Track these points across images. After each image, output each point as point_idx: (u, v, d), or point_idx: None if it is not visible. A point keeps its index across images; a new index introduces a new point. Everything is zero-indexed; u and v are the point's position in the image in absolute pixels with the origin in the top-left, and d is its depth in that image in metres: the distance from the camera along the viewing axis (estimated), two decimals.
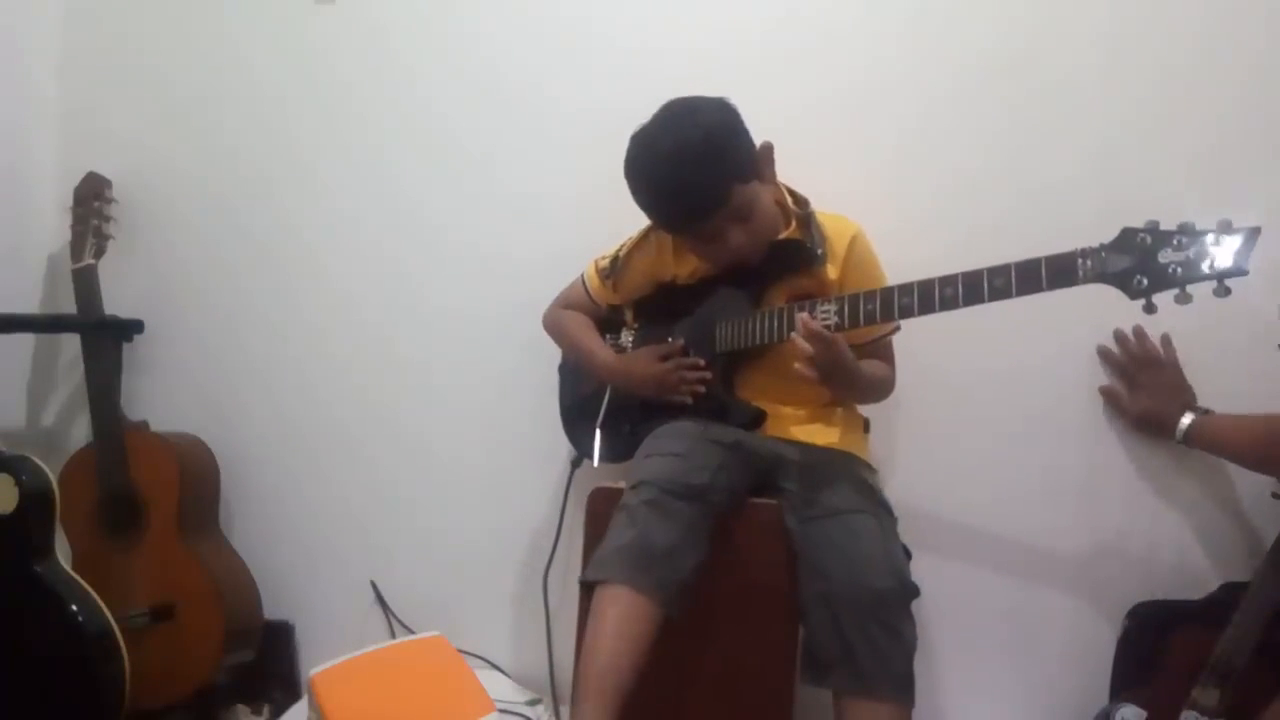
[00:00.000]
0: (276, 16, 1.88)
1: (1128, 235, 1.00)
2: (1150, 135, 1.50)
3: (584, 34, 1.73)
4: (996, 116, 1.55)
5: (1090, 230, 1.46)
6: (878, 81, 1.60)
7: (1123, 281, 1.00)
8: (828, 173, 1.42)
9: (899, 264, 1.39)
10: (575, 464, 1.62)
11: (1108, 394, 1.48)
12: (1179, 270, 0.96)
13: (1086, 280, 1.02)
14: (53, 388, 1.96)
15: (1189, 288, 0.97)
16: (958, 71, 1.57)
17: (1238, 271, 0.94)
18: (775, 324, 1.29)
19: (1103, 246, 1.01)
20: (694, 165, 1.23)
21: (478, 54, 1.79)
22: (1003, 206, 1.54)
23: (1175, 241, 0.96)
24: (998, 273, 1.07)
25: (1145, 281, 0.98)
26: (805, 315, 1.18)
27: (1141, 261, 0.98)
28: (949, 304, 1.11)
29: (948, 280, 1.11)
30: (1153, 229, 0.98)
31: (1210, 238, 0.95)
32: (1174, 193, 1.47)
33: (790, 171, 1.39)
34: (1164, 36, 1.49)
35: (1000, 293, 1.07)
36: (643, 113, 1.30)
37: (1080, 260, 1.02)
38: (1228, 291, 0.95)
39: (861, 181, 1.54)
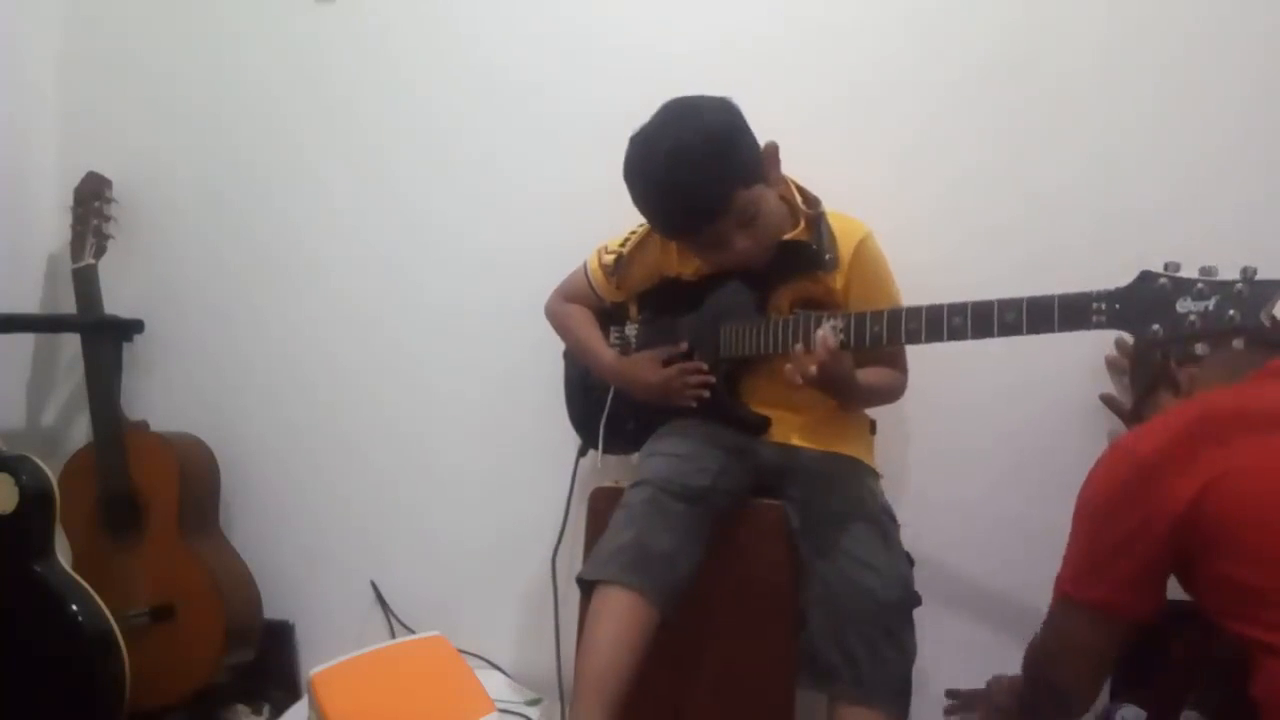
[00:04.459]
0: (276, 16, 1.87)
1: (1146, 279, 0.93)
2: (1151, 138, 1.49)
3: (585, 33, 1.73)
4: (999, 119, 1.55)
5: (1091, 234, 1.49)
6: (880, 82, 1.60)
7: (1138, 329, 0.93)
8: (829, 173, 1.42)
9: (900, 265, 1.40)
10: (581, 453, 1.62)
11: (1109, 401, 1.48)
12: (1198, 322, 0.89)
13: (1099, 326, 0.96)
14: (53, 388, 1.96)
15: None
16: (960, 74, 1.57)
17: (1259, 327, 0.87)
18: (781, 335, 1.26)
19: (1119, 290, 0.95)
20: (694, 168, 1.18)
21: (478, 54, 1.78)
22: (1004, 208, 1.54)
23: (1196, 289, 0.89)
24: (1009, 307, 1.03)
25: (1161, 331, 0.91)
26: (825, 334, 1.15)
27: (1159, 309, 0.91)
28: (957, 334, 1.08)
29: (957, 309, 1.08)
30: (1172, 274, 0.92)
31: (1236, 287, 0.87)
32: (1175, 195, 1.47)
33: (792, 172, 1.38)
34: (1166, 39, 1.49)
35: (1011, 328, 1.03)
36: (644, 112, 1.29)
37: (1094, 304, 0.96)
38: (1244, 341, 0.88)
39: (863, 182, 1.53)
